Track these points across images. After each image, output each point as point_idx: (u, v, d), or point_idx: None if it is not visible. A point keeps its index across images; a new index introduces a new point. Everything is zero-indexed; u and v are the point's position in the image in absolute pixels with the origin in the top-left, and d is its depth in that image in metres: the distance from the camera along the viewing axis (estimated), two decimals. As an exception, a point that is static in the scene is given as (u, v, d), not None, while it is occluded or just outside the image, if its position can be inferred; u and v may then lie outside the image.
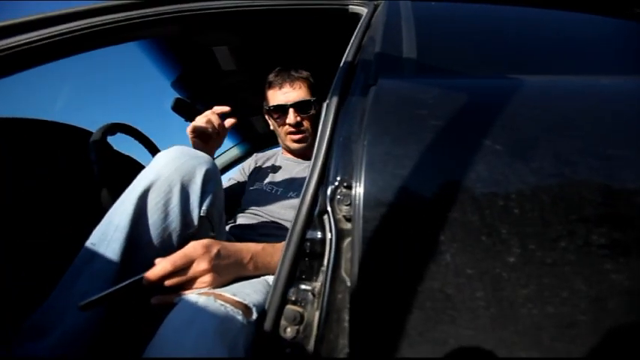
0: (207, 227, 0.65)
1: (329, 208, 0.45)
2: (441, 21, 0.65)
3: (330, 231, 0.44)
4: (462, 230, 0.37)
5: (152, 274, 0.50)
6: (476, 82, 0.48)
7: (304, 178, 1.00)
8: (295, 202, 0.93)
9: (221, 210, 0.70)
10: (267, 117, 1.11)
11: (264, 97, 1.08)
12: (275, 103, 1.02)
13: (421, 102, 0.44)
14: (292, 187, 0.99)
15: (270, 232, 0.89)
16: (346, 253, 0.43)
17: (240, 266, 0.60)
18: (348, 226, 0.44)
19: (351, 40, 0.66)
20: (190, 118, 1.35)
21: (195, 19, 0.83)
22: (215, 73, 1.24)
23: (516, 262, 0.36)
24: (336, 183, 0.46)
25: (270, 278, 0.64)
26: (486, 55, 0.57)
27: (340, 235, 0.43)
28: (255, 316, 0.47)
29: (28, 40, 0.75)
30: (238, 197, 1.08)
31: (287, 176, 1.04)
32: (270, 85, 1.05)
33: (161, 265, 0.51)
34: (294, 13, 0.86)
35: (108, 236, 0.55)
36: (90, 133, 0.93)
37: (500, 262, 0.36)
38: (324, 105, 0.57)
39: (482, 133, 0.41)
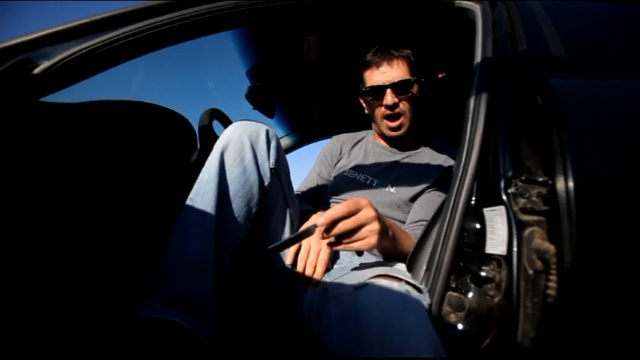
0: (276, 182, 0.71)
1: (505, 200, 0.47)
2: (576, 18, 0.66)
3: (510, 222, 0.46)
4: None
5: (328, 217, 0.54)
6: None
7: (401, 173, 0.97)
8: (395, 198, 0.91)
9: (287, 172, 0.76)
10: (361, 100, 1.05)
11: (359, 79, 1.02)
12: (371, 84, 0.95)
13: (606, 103, 0.45)
14: (389, 180, 0.94)
15: None
16: (527, 243, 0.45)
17: (386, 230, 0.62)
18: (525, 217, 0.46)
19: (480, 37, 0.67)
20: (260, 107, 1.38)
21: (297, 7, 0.84)
22: (291, 62, 1.25)
23: None
24: (509, 176, 0.48)
25: (402, 267, 0.66)
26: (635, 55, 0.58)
27: (520, 226, 0.45)
28: (429, 301, 0.49)
29: (136, 31, 0.76)
30: (322, 189, 1.04)
31: (383, 167, 0.98)
32: (368, 65, 0.98)
33: (336, 209, 0.55)
34: (397, 3, 0.86)
35: (201, 191, 0.61)
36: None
37: None
38: (470, 102, 0.59)
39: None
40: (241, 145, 0.65)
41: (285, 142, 1.85)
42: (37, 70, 0.66)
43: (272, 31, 1.10)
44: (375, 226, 0.56)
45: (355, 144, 1.09)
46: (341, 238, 0.56)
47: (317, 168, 1.11)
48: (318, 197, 1.03)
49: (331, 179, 1.05)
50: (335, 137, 1.15)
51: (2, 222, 0.64)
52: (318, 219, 0.54)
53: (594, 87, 0.47)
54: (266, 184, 0.68)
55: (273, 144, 0.70)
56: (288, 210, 0.76)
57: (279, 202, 0.73)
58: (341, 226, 0.54)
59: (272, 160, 0.69)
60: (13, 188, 0.68)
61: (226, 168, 0.64)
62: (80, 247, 0.77)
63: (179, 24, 0.78)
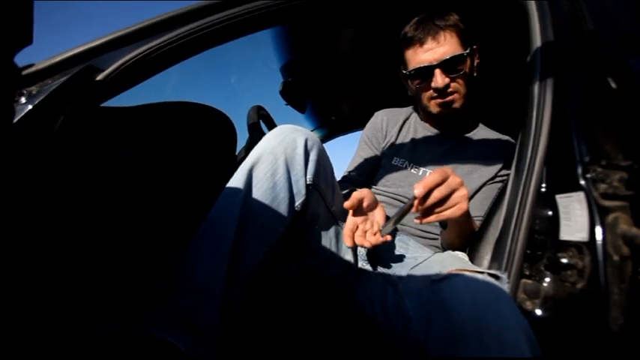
0: (315, 196, 0.67)
1: (584, 185, 0.46)
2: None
3: (591, 208, 0.45)
4: None
5: (425, 186, 0.54)
6: None
7: (456, 163, 0.90)
8: None
9: (330, 179, 0.70)
10: (404, 82, 0.93)
11: (400, 60, 0.90)
12: (416, 66, 0.82)
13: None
14: None
15: (421, 227, 0.85)
16: (611, 229, 0.44)
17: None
18: (607, 203, 0.45)
19: (537, 19, 0.65)
20: (292, 102, 1.39)
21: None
22: (325, 56, 1.25)
23: None
24: (586, 162, 0.47)
25: (465, 255, 0.66)
26: None
27: (603, 211, 0.45)
28: (508, 291, 0.49)
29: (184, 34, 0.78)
30: (370, 175, 0.98)
31: (435, 156, 0.90)
32: (409, 43, 0.84)
33: (429, 178, 0.55)
34: None
35: (224, 206, 0.58)
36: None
37: None
38: (534, 88, 0.57)
39: None
40: (274, 159, 0.61)
41: (313, 136, 1.86)
42: (99, 77, 0.69)
43: (308, 25, 1.10)
44: (463, 191, 0.56)
45: (402, 126, 0.99)
46: (434, 207, 0.56)
47: (362, 152, 1.02)
48: (366, 183, 0.99)
49: (379, 163, 0.99)
50: (377, 114, 1.04)
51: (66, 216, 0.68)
52: (415, 189, 0.54)
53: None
54: (297, 203, 0.63)
55: (312, 155, 0.65)
56: (333, 217, 0.73)
57: (321, 214, 0.69)
58: (436, 194, 0.55)
59: (310, 175, 0.64)
60: (76, 190, 0.72)
61: (255, 182, 0.60)
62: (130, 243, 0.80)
63: (227, 24, 0.80)
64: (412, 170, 0.92)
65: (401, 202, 0.90)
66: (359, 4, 0.99)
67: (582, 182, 0.46)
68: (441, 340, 0.42)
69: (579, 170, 0.47)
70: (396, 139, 0.98)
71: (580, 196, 0.47)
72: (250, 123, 0.91)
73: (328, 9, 0.91)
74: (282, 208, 0.60)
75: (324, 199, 0.69)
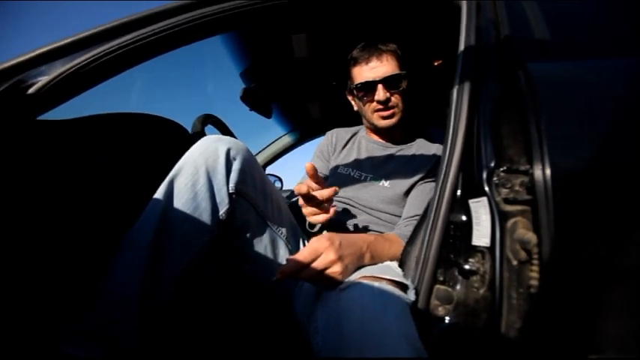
0: (243, 203, 0.67)
1: (487, 191, 0.46)
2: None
3: (492, 213, 0.45)
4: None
5: (284, 272, 0.52)
6: (631, 62, 0.47)
7: (394, 166, 0.97)
8: (389, 192, 0.91)
9: (260, 186, 0.70)
10: (350, 97, 1.05)
11: (347, 76, 1.02)
12: (362, 80, 0.94)
13: (587, 85, 0.44)
14: (382, 174, 0.95)
15: (362, 222, 0.89)
16: (510, 234, 0.45)
17: (360, 255, 0.62)
18: (508, 208, 0.46)
19: (464, 24, 0.65)
20: (256, 107, 1.39)
21: (290, 7, 0.84)
22: (282, 61, 1.25)
23: None
24: (491, 166, 0.47)
25: (392, 264, 0.66)
26: (622, 33, 0.56)
27: (503, 216, 0.45)
28: (414, 297, 0.49)
29: (126, 42, 0.77)
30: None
31: (376, 162, 0.99)
32: (356, 62, 0.97)
33: (292, 262, 0.52)
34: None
35: (144, 217, 0.59)
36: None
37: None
38: (453, 92, 0.58)
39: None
40: (195, 169, 0.62)
41: (287, 139, 1.86)
42: (31, 90, 0.68)
43: (261, 31, 1.11)
44: (336, 268, 0.54)
45: (349, 140, 1.09)
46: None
47: (314, 164, 1.07)
48: None
49: (329, 174, 1.06)
50: (330, 132, 1.15)
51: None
52: (278, 272, 0.52)
53: (576, 68, 0.46)
54: (222, 211, 0.64)
55: (236, 164, 0.65)
56: (266, 223, 0.73)
57: (251, 221, 0.70)
58: (303, 276, 0.53)
59: (232, 184, 0.65)
60: (17, 204, 0.71)
61: (175, 193, 0.61)
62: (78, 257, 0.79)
63: (168, 33, 0.79)
64: (354, 175, 0.98)
65: (347, 204, 0.93)
66: (315, 10, 0.99)
67: (486, 188, 0.47)
68: (333, 351, 0.42)
69: (484, 175, 0.47)
70: (342, 151, 1.08)
71: (485, 201, 0.47)
72: (193, 132, 0.91)
73: (282, 14, 0.91)
74: (205, 217, 0.61)
75: (254, 206, 0.69)
